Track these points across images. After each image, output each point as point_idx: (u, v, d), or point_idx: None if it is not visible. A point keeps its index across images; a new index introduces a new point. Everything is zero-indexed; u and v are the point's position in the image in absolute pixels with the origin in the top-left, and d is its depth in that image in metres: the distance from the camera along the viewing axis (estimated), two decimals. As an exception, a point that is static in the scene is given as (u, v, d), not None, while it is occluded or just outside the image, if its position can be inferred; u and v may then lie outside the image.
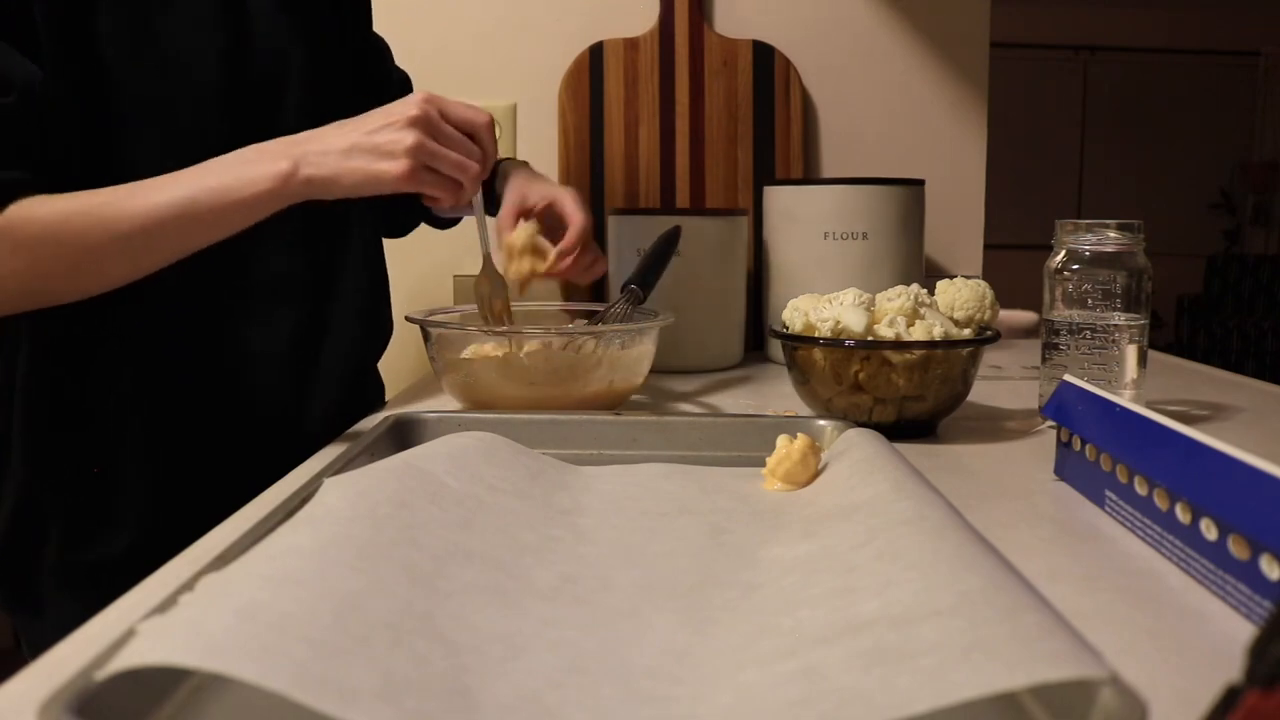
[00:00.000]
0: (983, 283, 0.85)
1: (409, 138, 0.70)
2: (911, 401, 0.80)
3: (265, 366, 0.84)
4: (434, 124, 0.71)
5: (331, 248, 0.88)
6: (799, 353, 0.83)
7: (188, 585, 0.39)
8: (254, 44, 0.80)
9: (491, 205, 0.98)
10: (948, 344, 0.79)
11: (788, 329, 0.85)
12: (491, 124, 0.75)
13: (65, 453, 0.78)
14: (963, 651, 0.33)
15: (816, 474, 0.63)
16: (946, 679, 0.32)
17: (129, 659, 0.31)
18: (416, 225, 1.10)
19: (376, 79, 1.02)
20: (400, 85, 1.07)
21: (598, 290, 1.35)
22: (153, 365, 0.79)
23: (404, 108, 0.71)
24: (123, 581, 0.49)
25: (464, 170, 0.73)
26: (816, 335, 0.82)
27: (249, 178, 0.69)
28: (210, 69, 0.77)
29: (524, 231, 0.90)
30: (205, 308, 0.80)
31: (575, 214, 0.92)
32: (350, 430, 0.83)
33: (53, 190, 0.69)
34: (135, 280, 0.72)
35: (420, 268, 1.33)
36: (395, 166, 0.70)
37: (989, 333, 0.84)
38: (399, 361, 1.20)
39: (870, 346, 0.79)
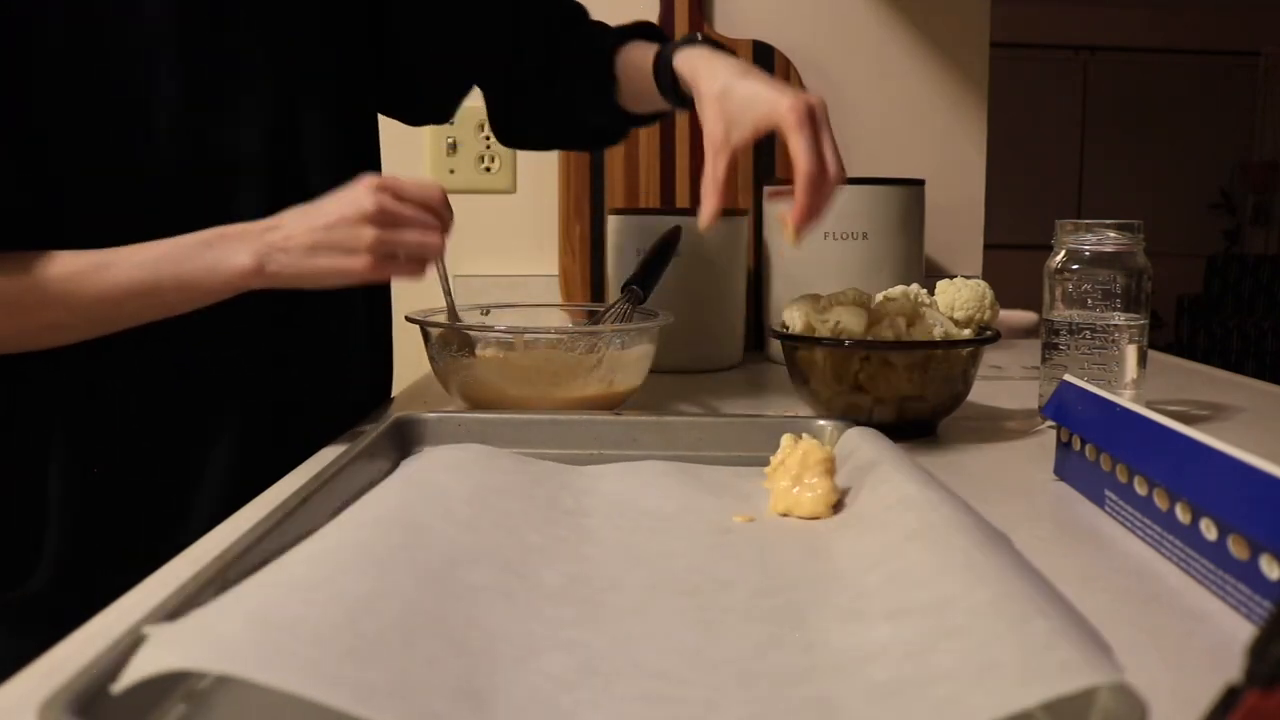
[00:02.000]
0: (982, 283, 0.85)
1: (368, 234, 0.70)
2: (911, 401, 0.80)
3: (202, 385, 0.79)
4: (390, 213, 0.71)
5: None
6: (799, 353, 0.83)
7: (188, 586, 0.39)
8: (210, 55, 0.77)
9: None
10: (948, 344, 0.79)
11: (788, 329, 0.85)
12: (444, 195, 0.75)
13: None
14: (976, 674, 0.33)
15: (839, 502, 0.59)
16: (962, 704, 0.32)
17: (145, 667, 0.31)
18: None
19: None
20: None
21: (598, 290, 1.35)
22: (81, 379, 0.75)
23: (359, 202, 0.71)
24: (39, 619, 0.48)
25: (426, 249, 0.73)
26: (816, 335, 0.82)
27: (213, 269, 0.70)
28: (161, 85, 0.74)
29: (808, 453, 0.61)
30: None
31: (802, 155, 0.74)
32: (350, 431, 0.83)
33: None
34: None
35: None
36: (358, 263, 0.70)
37: (989, 333, 0.84)
38: (399, 361, 1.20)
39: (870, 347, 0.79)
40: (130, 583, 0.50)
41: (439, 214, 0.74)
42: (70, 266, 0.69)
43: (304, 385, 0.84)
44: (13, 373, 0.74)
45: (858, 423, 0.70)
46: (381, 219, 0.71)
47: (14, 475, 0.75)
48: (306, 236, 0.71)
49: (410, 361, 1.07)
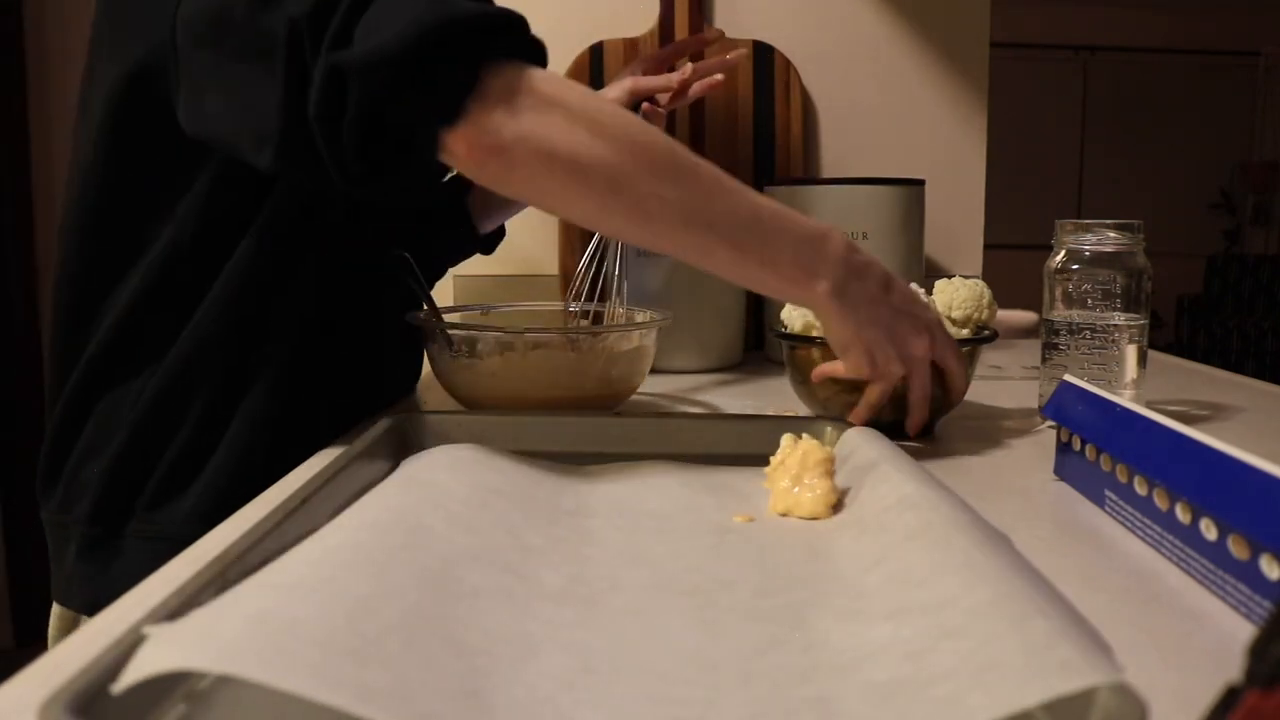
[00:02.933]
0: (980, 282, 0.85)
1: (919, 348, 0.71)
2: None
3: (377, 341, 0.87)
4: (925, 360, 0.72)
5: None
6: (798, 352, 0.83)
7: (188, 586, 0.39)
8: None
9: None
10: (948, 344, 0.79)
11: (787, 329, 0.85)
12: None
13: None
14: (976, 674, 0.33)
15: (839, 502, 0.60)
16: (962, 705, 0.32)
17: (145, 667, 0.31)
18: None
19: None
20: None
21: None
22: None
23: (925, 338, 0.72)
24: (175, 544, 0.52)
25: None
26: (816, 335, 0.82)
27: (794, 271, 0.67)
28: None
29: (808, 453, 0.62)
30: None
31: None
32: (350, 431, 0.83)
33: None
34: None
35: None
36: (874, 366, 0.70)
37: (987, 332, 0.84)
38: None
39: None
40: None
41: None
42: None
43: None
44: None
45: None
46: (921, 361, 0.72)
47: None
48: (878, 311, 0.70)
49: (410, 361, 1.07)
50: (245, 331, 0.77)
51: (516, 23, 0.63)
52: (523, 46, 0.64)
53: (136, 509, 0.77)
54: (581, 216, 0.67)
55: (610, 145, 0.62)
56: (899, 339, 0.71)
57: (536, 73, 0.63)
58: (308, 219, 0.77)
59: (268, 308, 0.77)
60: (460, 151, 0.62)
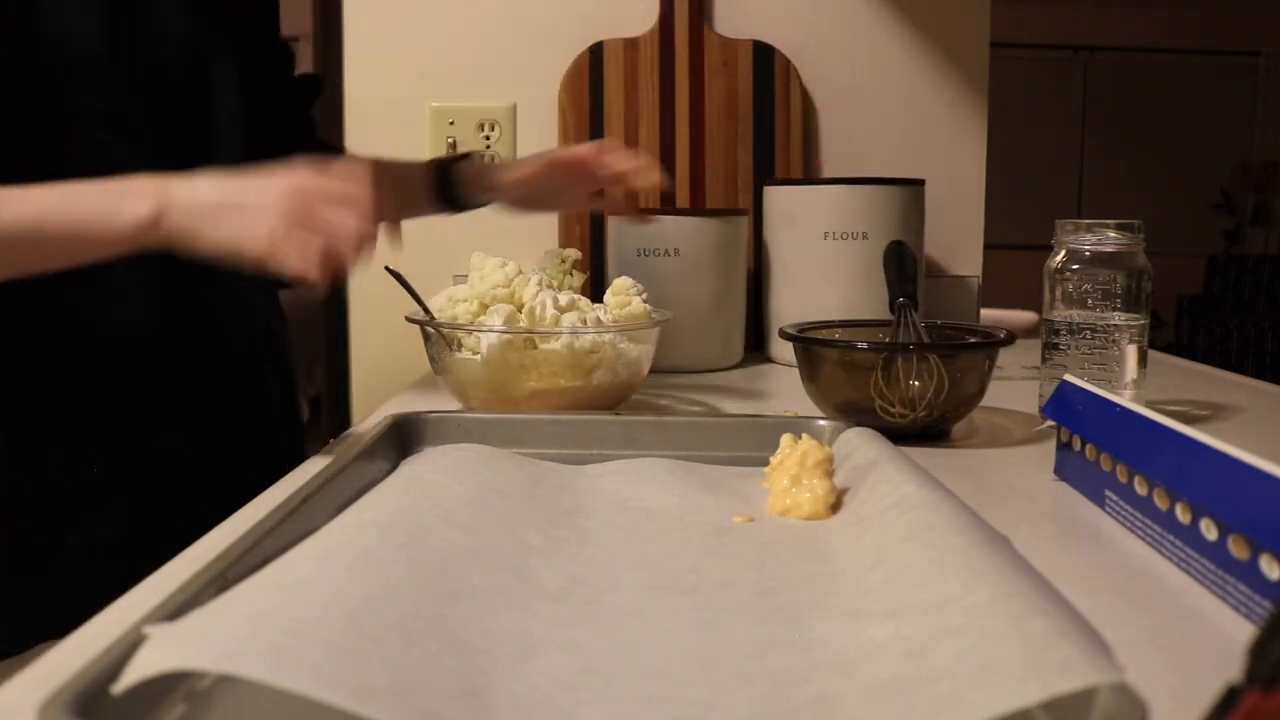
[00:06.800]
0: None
1: (277, 223, 0.64)
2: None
3: (130, 349, 0.78)
4: (309, 196, 0.66)
5: None
6: (810, 351, 0.82)
7: (188, 586, 0.39)
8: (151, 28, 0.77)
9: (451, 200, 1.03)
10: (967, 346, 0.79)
11: (793, 331, 0.85)
12: (373, 201, 0.68)
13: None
14: (976, 672, 0.33)
15: (838, 502, 0.59)
16: (962, 703, 0.32)
17: (145, 667, 0.31)
18: None
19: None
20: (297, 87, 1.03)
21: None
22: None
23: (283, 180, 0.66)
24: None
25: (338, 236, 0.65)
26: (826, 337, 0.81)
27: (108, 215, 0.64)
28: (91, 43, 0.73)
29: (807, 453, 0.61)
30: (57, 282, 0.69)
31: (579, 149, 0.97)
32: (348, 431, 0.83)
33: None
34: None
35: (419, 267, 1.33)
36: (258, 245, 0.64)
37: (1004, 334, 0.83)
38: (399, 362, 1.20)
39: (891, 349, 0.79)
40: None
41: (361, 223, 0.66)
42: None
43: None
44: None
45: (858, 423, 0.70)
46: (294, 218, 0.65)
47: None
48: (215, 194, 0.66)
49: (410, 362, 1.07)
50: None
51: None
52: None
53: None
54: None
55: None
56: (251, 224, 0.64)
57: None
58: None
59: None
60: None
